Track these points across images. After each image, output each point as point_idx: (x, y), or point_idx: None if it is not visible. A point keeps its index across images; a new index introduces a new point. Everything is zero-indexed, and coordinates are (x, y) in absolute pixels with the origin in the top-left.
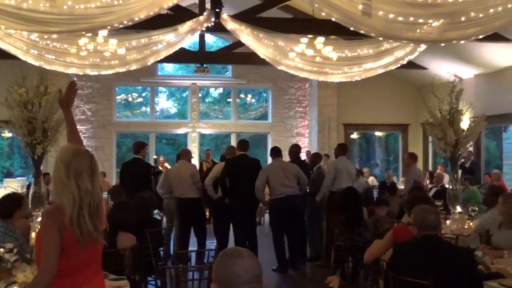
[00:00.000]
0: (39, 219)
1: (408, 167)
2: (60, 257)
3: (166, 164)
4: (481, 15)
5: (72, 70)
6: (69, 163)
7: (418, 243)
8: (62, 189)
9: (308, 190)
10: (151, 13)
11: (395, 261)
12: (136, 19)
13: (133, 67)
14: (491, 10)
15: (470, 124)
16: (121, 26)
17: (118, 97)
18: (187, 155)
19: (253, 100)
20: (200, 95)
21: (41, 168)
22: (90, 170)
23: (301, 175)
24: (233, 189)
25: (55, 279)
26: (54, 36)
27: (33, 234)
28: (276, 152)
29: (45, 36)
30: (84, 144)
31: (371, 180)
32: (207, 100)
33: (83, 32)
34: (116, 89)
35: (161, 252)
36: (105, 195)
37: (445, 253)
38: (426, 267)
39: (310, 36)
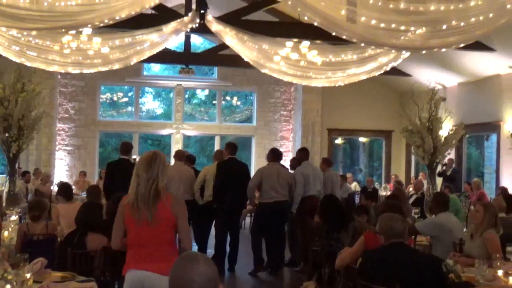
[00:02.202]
0: (13, 217)
1: (323, 172)
2: (127, 232)
3: None
4: (462, 24)
5: (54, 68)
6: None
7: (386, 250)
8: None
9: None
10: (133, 12)
11: (364, 268)
12: (118, 18)
13: (116, 66)
14: (473, 19)
15: (449, 132)
16: (102, 24)
17: (103, 96)
18: (183, 157)
19: (239, 103)
20: (186, 96)
21: (20, 166)
22: (148, 162)
23: (293, 184)
24: (221, 192)
25: (128, 249)
26: (34, 33)
27: (5, 233)
28: (275, 155)
29: (25, 33)
30: (66, 142)
31: (354, 186)
32: (193, 102)
33: (63, 30)
34: (101, 88)
35: None
36: (83, 194)
37: (413, 261)
38: (394, 274)
39: (295, 40)
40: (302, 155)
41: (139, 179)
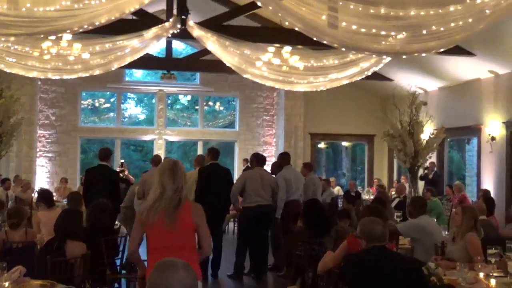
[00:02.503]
0: None
1: (305, 176)
2: (148, 238)
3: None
4: (442, 29)
5: (33, 74)
6: (160, 168)
7: (367, 254)
8: (153, 189)
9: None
10: (113, 18)
11: (345, 272)
12: (97, 23)
13: (97, 72)
14: (452, 24)
15: (430, 136)
16: (81, 30)
17: (84, 102)
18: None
19: (221, 108)
20: (168, 101)
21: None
22: (171, 171)
23: (276, 188)
24: (203, 198)
25: (148, 254)
26: (12, 38)
27: None
28: (259, 160)
29: (3, 39)
30: (47, 149)
31: (337, 190)
32: (175, 107)
33: (42, 35)
34: (83, 94)
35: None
36: (65, 201)
37: (394, 264)
38: (375, 278)
39: (277, 45)
40: (283, 160)
41: (164, 188)
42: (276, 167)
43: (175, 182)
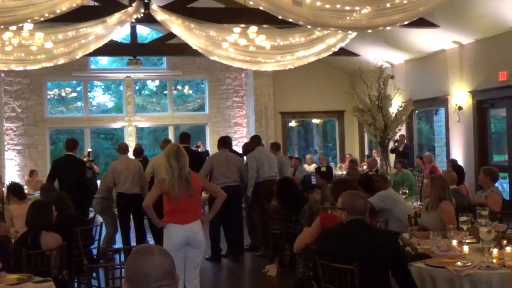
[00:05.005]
0: None
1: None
2: (166, 203)
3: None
4: (405, 2)
5: None
6: (166, 152)
7: (344, 228)
8: (165, 169)
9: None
10: (74, 5)
11: (323, 247)
12: (58, 11)
13: (61, 61)
14: None
15: (398, 109)
16: (42, 19)
17: (50, 92)
18: (127, 149)
19: (190, 92)
20: (136, 88)
21: None
22: (175, 154)
23: (243, 168)
24: None
25: (166, 215)
26: None
27: None
28: (223, 142)
29: None
30: (15, 142)
31: (313, 167)
32: (144, 93)
33: (2, 26)
34: (48, 84)
35: (94, 251)
36: (36, 194)
37: (370, 237)
38: (352, 252)
39: (242, 25)
40: (254, 141)
41: (172, 168)
42: (247, 149)
43: (179, 163)
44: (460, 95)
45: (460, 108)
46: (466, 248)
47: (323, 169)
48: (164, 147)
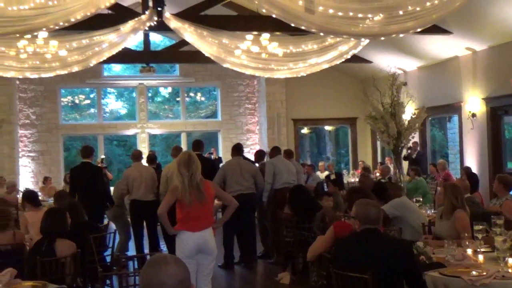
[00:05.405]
0: None
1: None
2: (179, 210)
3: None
4: (418, 9)
5: (10, 74)
6: (177, 160)
7: (358, 237)
8: (176, 176)
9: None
10: (88, 14)
11: (337, 256)
12: (73, 20)
13: (75, 68)
14: (428, 4)
15: (411, 116)
16: (57, 27)
17: (64, 100)
18: (140, 157)
19: (203, 99)
20: (149, 94)
21: None
22: (186, 162)
23: (258, 175)
24: None
25: (179, 222)
26: None
27: None
28: (236, 149)
29: None
30: (29, 148)
31: (326, 174)
32: (157, 100)
33: (17, 35)
34: (62, 91)
35: (107, 258)
36: (51, 200)
37: (384, 246)
38: (366, 261)
39: (255, 32)
40: (273, 152)
41: (182, 176)
42: (259, 156)
43: (189, 170)
44: (474, 102)
45: (473, 115)
46: (481, 257)
47: (333, 176)
48: (175, 154)
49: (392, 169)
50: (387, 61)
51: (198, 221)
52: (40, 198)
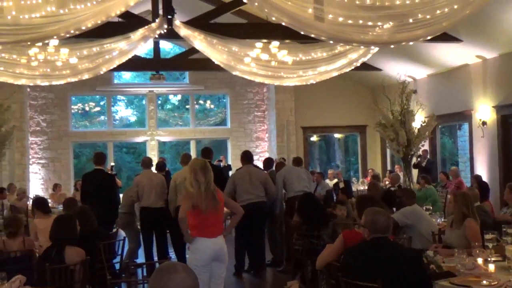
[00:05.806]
0: None
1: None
2: (193, 217)
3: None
4: (428, 17)
5: (22, 81)
6: (193, 167)
7: (367, 246)
8: (190, 184)
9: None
10: (99, 22)
11: (346, 264)
12: (84, 28)
13: (85, 76)
14: (438, 12)
15: (421, 124)
16: (68, 35)
17: (74, 107)
18: (150, 164)
19: (212, 106)
20: (159, 102)
21: None
22: (203, 170)
23: (268, 183)
24: None
25: (194, 229)
26: None
27: None
28: (246, 157)
29: None
30: (39, 156)
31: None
32: (166, 107)
33: (29, 43)
34: (72, 98)
35: (116, 265)
36: (60, 207)
37: (394, 255)
38: (376, 269)
39: (264, 40)
40: (294, 163)
41: (199, 183)
42: (266, 163)
43: (206, 177)
44: (484, 110)
45: (484, 123)
46: (491, 267)
47: (342, 184)
48: (184, 162)
49: (402, 177)
50: (397, 69)
51: (213, 227)
52: (50, 205)
